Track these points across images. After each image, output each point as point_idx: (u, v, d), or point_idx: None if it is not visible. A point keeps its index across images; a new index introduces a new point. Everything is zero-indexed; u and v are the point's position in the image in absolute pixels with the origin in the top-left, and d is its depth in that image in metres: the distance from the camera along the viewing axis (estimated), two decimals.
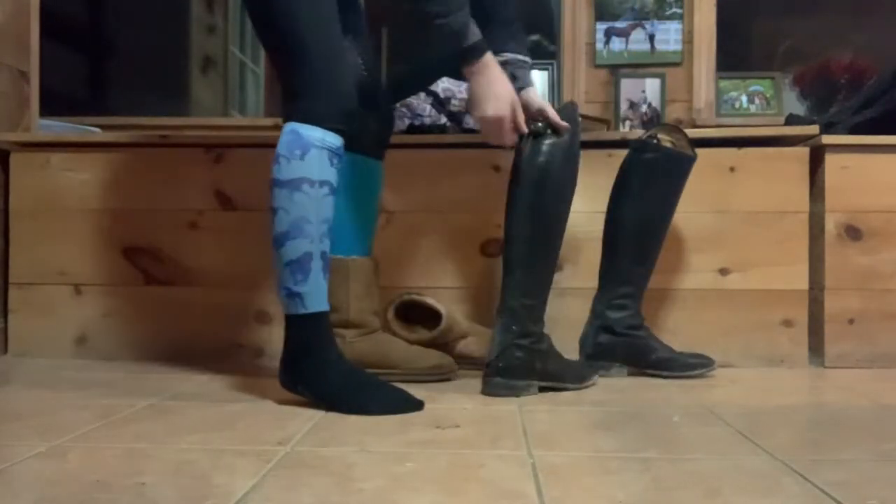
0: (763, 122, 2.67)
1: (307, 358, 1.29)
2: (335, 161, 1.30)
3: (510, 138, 1.45)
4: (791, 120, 2.24)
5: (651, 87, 2.70)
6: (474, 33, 1.37)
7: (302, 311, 1.28)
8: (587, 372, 1.53)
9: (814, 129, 1.83)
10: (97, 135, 2.08)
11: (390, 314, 1.68)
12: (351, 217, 1.54)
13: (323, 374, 1.28)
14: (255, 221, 1.84)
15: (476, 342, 1.72)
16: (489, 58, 1.39)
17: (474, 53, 1.37)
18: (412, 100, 1.93)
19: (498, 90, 1.40)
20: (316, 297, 1.28)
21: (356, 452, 1.00)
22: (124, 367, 1.71)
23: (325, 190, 1.28)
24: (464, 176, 1.84)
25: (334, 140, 1.29)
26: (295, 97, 1.30)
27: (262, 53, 4.55)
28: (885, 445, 1.06)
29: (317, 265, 1.28)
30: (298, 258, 1.26)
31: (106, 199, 1.87)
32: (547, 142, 1.45)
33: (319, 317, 1.29)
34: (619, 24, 2.72)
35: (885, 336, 1.79)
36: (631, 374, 1.65)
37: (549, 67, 2.80)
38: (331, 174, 1.29)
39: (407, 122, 1.92)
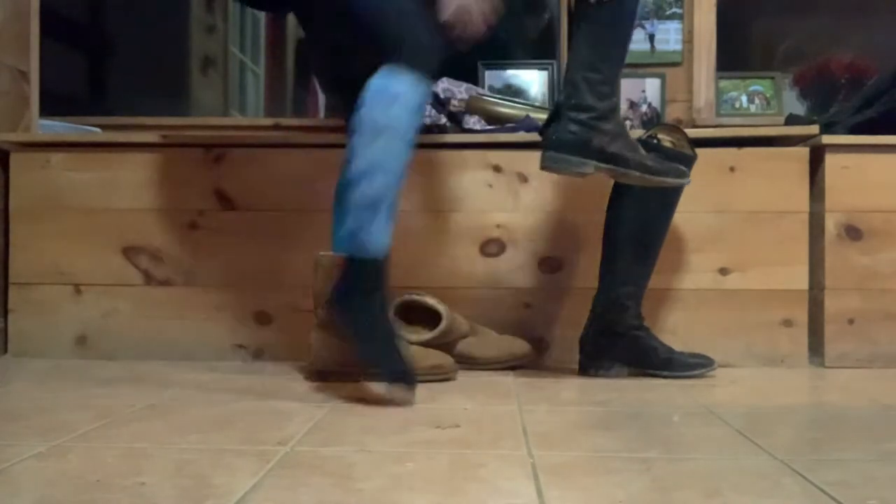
0: (763, 122, 2.67)
1: (357, 301, 1.33)
2: (421, 111, 1.35)
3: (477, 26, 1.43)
4: (791, 120, 2.24)
5: (651, 87, 2.69)
6: None
7: (362, 254, 1.32)
8: (665, 167, 1.46)
9: (814, 129, 1.83)
10: (97, 135, 2.08)
11: (390, 314, 1.68)
12: None
13: (362, 322, 1.33)
14: (255, 221, 1.84)
15: (476, 342, 1.72)
16: None
17: None
18: None
19: None
20: (379, 243, 1.34)
21: (356, 452, 1.00)
22: (124, 367, 1.71)
23: (408, 139, 1.33)
24: (464, 176, 1.84)
25: (423, 89, 1.33)
26: (395, 47, 1.34)
27: (262, 53, 4.55)
28: (885, 445, 1.06)
29: (385, 213, 1.33)
30: (368, 203, 1.31)
31: (106, 199, 1.87)
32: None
33: (377, 263, 1.34)
34: None
35: (885, 336, 1.79)
36: (631, 374, 1.65)
37: (549, 67, 2.80)
38: (415, 124, 1.34)
39: None
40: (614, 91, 1.45)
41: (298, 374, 1.63)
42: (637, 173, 1.41)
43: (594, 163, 1.40)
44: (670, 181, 1.44)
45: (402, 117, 1.32)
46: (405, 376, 1.32)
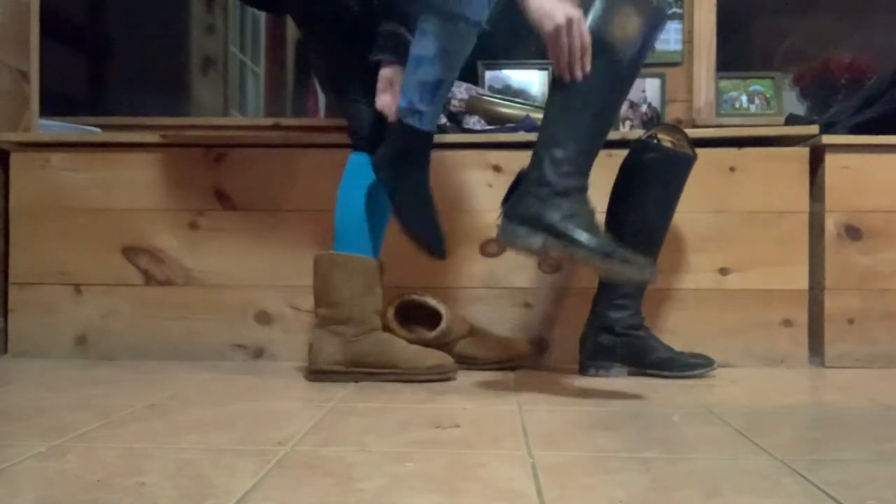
0: (763, 122, 2.67)
1: (403, 166, 1.45)
2: (491, 2, 1.38)
3: (576, 63, 1.32)
4: (791, 120, 2.24)
5: (651, 87, 2.69)
6: None
7: (417, 126, 1.42)
8: (623, 256, 1.30)
9: (814, 129, 1.83)
10: (97, 135, 2.08)
11: (390, 314, 1.68)
12: (363, 217, 1.55)
13: (405, 186, 1.46)
14: (255, 221, 1.84)
15: (476, 342, 1.72)
16: None
17: None
18: None
19: (549, 7, 1.32)
20: (432, 120, 1.45)
21: (356, 452, 1.00)
22: (124, 367, 1.71)
23: (475, 31, 1.38)
24: (464, 176, 1.84)
25: None
26: None
27: (262, 53, 4.55)
28: (885, 445, 1.06)
29: (443, 93, 1.43)
30: (431, 82, 1.39)
31: (106, 199, 1.87)
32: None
33: (427, 136, 1.46)
34: None
35: (885, 336, 1.79)
36: (631, 374, 1.65)
37: (549, 67, 2.80)
38: (484, 14, 1.38)
39: None
40: (582, 170, 1.36)
41: (298, 374, 1.63)
42: (586, 254, 1.30)
43: (543, 237, 1.32)
44: (617, 270, 1.30)
45: (474, 6, 1.36)
46: (435, 246, 1.49)
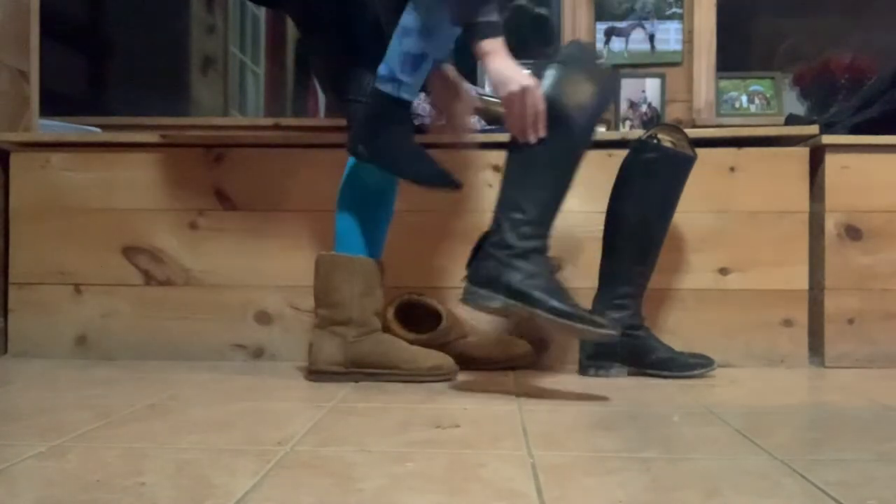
0: (763, 122, 2.67)
1: (382, 132, 1.45)
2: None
3: (530, 128, 1.35)
4: (791, 120, 2.24)
5: (651, 87, 2.69)
6: (490, 12, 1.34)
7: (394, 94, 1.42)
8: (581, 316, 1.32)
9: (814, 129, 1.84)
10: (97, 135, 2.08)
11: (390, 314, 1.68)
12: (364, 218, 1.55)
13: (390, 144, 1.45)
14: (255, 221, 1.84)
15: (476, 342, 1.72)
16: (499, 44, 1.35)
17: (481, 31, 1.34)
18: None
19: (506, 75, 1.34)
20: (411, 90, 1.44)
21: (356, 452, 1.00)
22: (124, 367, 1.71)
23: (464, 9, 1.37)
24: (464, 176, 1.83)
25: None
26: None
27: (262, 53, 4.55)
28: (885, 445, 1.06)
29: (426, 66, 1.43)
30: (415, 54, 1.40)
31: (106, 199, 1.87)
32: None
33: (406, 105, 1.46)
34: (619, 24, 2.72)
35: (885, 336, 1.79)
36: (631, 374, 1.65)
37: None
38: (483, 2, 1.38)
39: None
40: (542, 232, 1.38)
41: (298, 374, 1.63)
42: (544, 314, 1.32)
43: (503, 298, 1.34)
44: (577, 330, 1.32)
45: None
46: (442, 178, 1.46)
